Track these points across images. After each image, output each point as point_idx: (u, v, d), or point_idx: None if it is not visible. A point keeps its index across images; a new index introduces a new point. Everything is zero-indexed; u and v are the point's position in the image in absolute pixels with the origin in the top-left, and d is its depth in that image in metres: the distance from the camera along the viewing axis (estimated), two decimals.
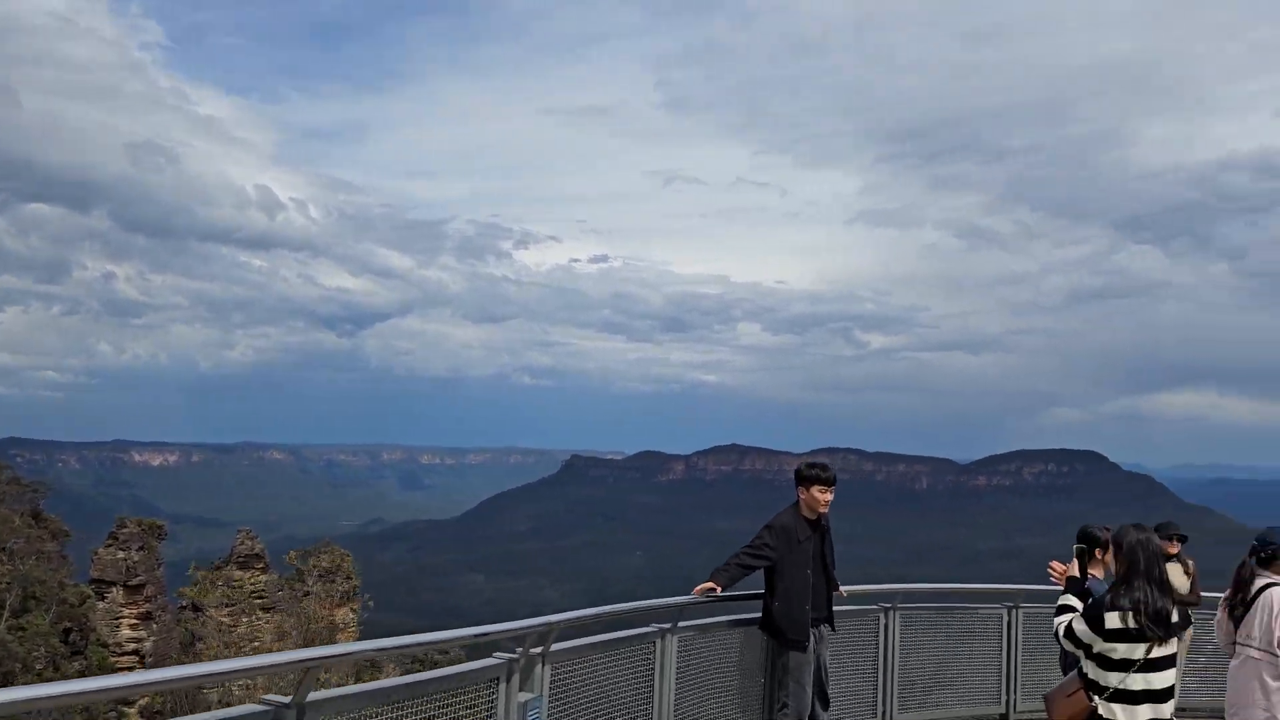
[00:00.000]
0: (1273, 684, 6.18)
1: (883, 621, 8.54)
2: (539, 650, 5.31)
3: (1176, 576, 9.43)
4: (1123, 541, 5.24)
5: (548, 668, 5.40)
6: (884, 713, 8.48)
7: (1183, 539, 9.56)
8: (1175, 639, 5.18)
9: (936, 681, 8.86)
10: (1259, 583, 6.35)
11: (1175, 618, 5.17)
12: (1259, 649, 6.29)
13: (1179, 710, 9.79)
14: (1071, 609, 5.31)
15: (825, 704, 7.17)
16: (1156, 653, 5.06)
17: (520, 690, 5.14)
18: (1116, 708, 5.04)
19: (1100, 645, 5.08)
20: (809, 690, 6.92)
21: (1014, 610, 9.28)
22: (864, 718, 8.40)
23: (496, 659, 5.07)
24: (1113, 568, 5.28)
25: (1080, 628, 5.15)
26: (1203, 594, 9.57)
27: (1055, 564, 5.67)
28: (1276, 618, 6.14)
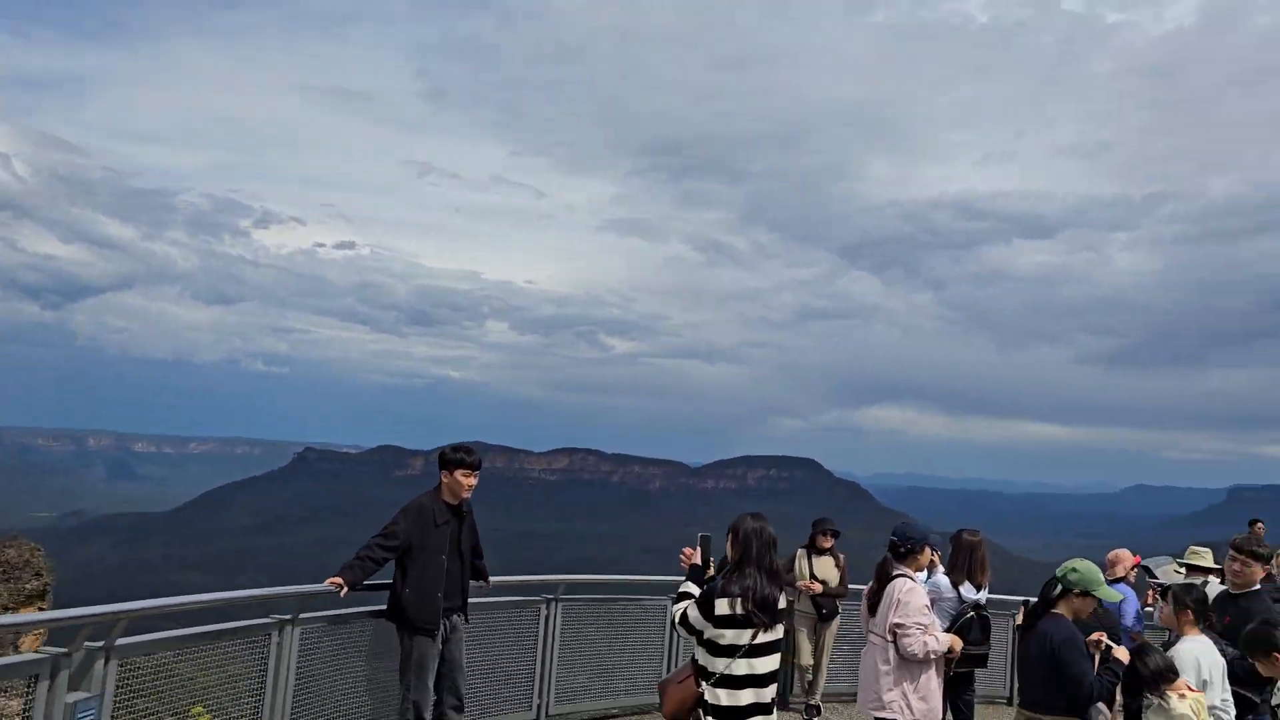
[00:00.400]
0: (883, 668, 6.49)
1: (544, 613, 8.37)
2: (100, 644, 4.64)
3: (828, 569, 9.95)
4: (739, 530, 5.29)
5: (113, 664, 4.72)
6: (540, 706, 8.31)
7: (835, 534, 10.08)
8: (780, 625, 5.28)
9: (597, 673, 8.81)
10: (893, 574, 6.70)
11: (782, 604, 5.27)
12: (878, 635, 6.64)
13: (829, 695, 10.38)
14: (690, 596, 5.29)
15: (458, 701, 6.80)
16: (762, 638, 5.12)
17: (72, 690, 4.46)
18: (721, 692, 5.07)
19: (710, 631, 5.09)
20: (430, 685, 6.53)
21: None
22: (519, 712, 8.20)
23: (39, 654, 4.36)
24: (728, 554, 5.32)
25: (693, 614, 5.13)
26: (852, 586, 10.10)
27: (687, 550, 5.65)
28: (893, 606, 6.48)
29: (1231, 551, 6.53)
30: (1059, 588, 5.83)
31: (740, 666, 5.08)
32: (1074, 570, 5.79)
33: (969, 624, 7.44)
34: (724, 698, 5.06)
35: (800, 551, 10.12)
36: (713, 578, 5.41)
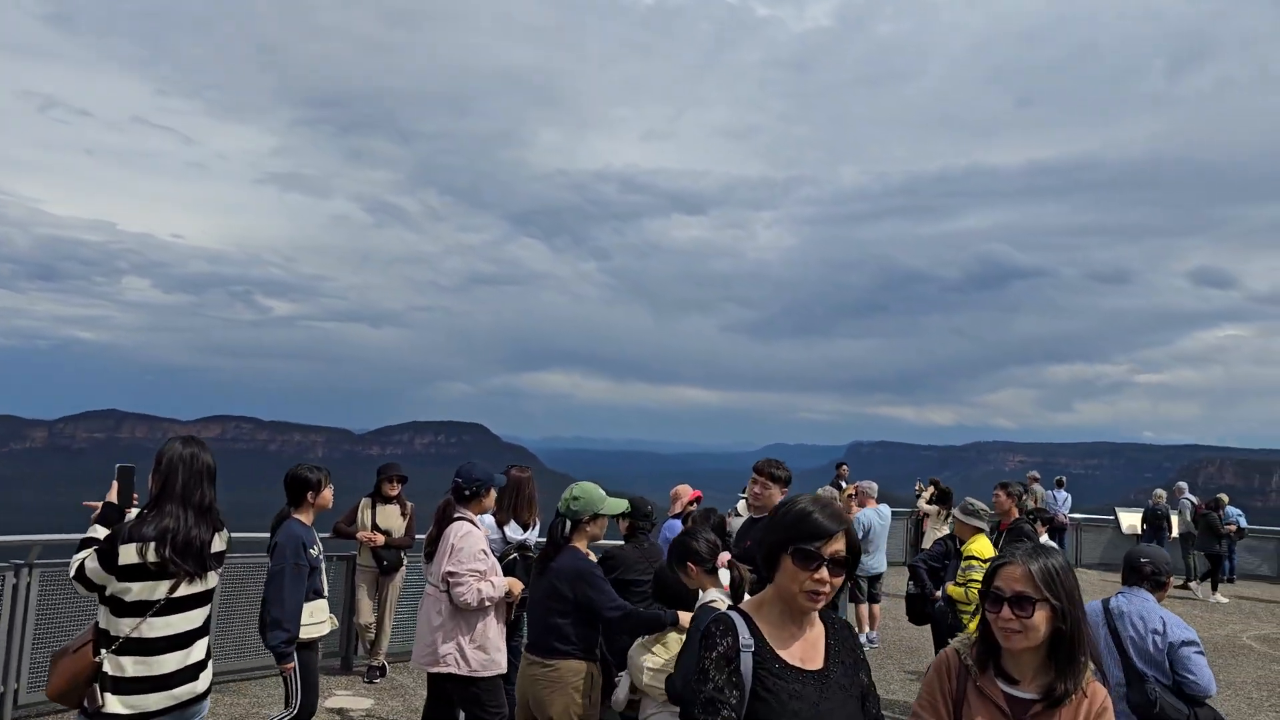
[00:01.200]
0: (436, 620, 5.89)
1: (13, 582, 6.85)
2: None
3: (393, 519, 9.15)
4: (162, 457, 4.26)
5: None
6: (7, 696, 6.80)
7: (403, 480, 9.30)
8: (214, 573, 4.34)
9: None
10: (454, 518, 6.06)
11: (218, 547, 4.32)
12: (433, 584, 6.00)
13: (396, 654, 9.63)
14: (95, 542, 4.18)
15: None
16: (185, 590, 4.15)
17: None
18: (126, 660, 4.03)
19: (114, 586, 4.04)
20: None
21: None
22: None
23: None
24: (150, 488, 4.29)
25: (91, 565, 4.05)
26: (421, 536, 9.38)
27: (90, 504, 4.46)
28: (449, 553, 5.84)
29: (754, 474, 6.47)
30: (568, 523, 5.36)
31: (155, 627, 4.08)
32: (575, 498, 5.34)
33: (512, 565, 6.94)
34: (130, 666, 4.04)
35: (364, 500, 9.24)
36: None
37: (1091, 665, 2.86)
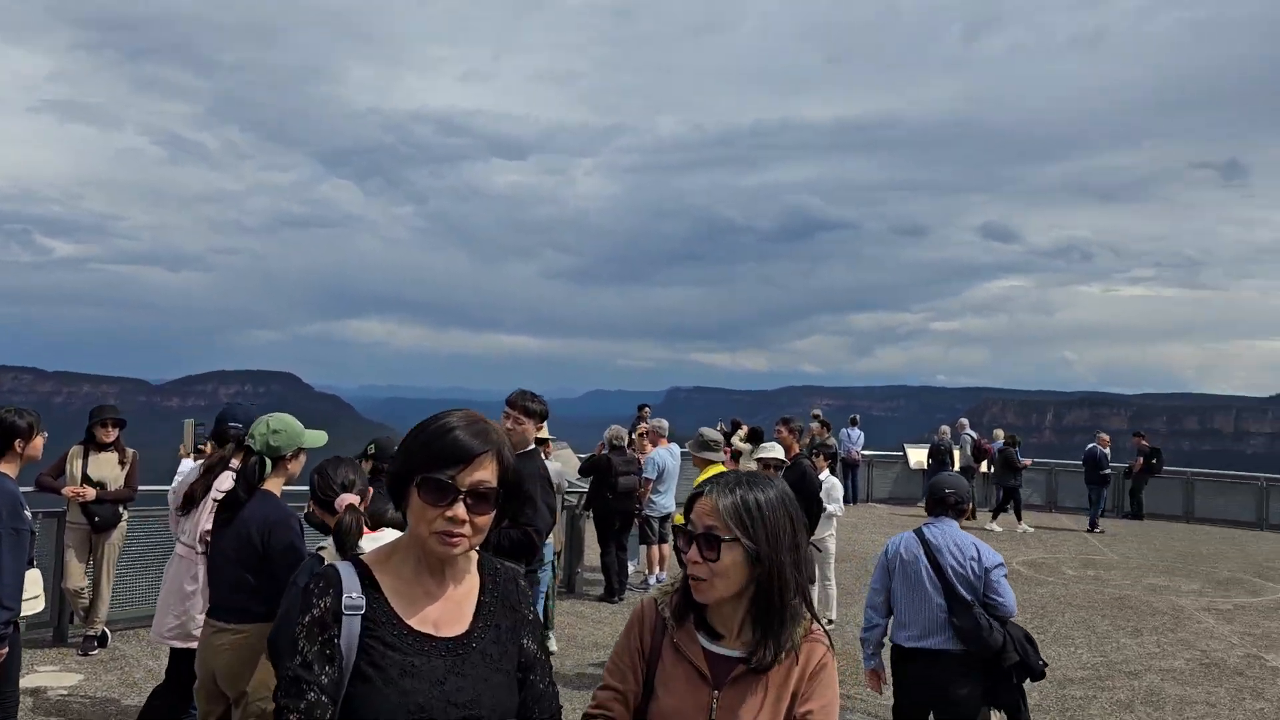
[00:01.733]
0: (189, 588, 5.08)
1: None
2: None
3: (108, 468, 7.97)
4: None
5: None
6: None
7: (120, 424, 8.13)
8: None
9: None
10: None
11: None
12: (186, 544, 5.15)
13: (119, 622, 8.52)
14: None
15: None
16: None
17: None
18: None
19: None
20: None
21: None
22: None
23: None
24: None
25: None
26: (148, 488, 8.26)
27: None
28: (209, 510, 4.87)
29: (506, 408, 5.85)
30: (268, 462, 4.49)
31: None
32: (276, 432, 4.47)
33: None
34: None
35: (74, 449, 7.99)
36: None
37: (807, 615, 2.32)
